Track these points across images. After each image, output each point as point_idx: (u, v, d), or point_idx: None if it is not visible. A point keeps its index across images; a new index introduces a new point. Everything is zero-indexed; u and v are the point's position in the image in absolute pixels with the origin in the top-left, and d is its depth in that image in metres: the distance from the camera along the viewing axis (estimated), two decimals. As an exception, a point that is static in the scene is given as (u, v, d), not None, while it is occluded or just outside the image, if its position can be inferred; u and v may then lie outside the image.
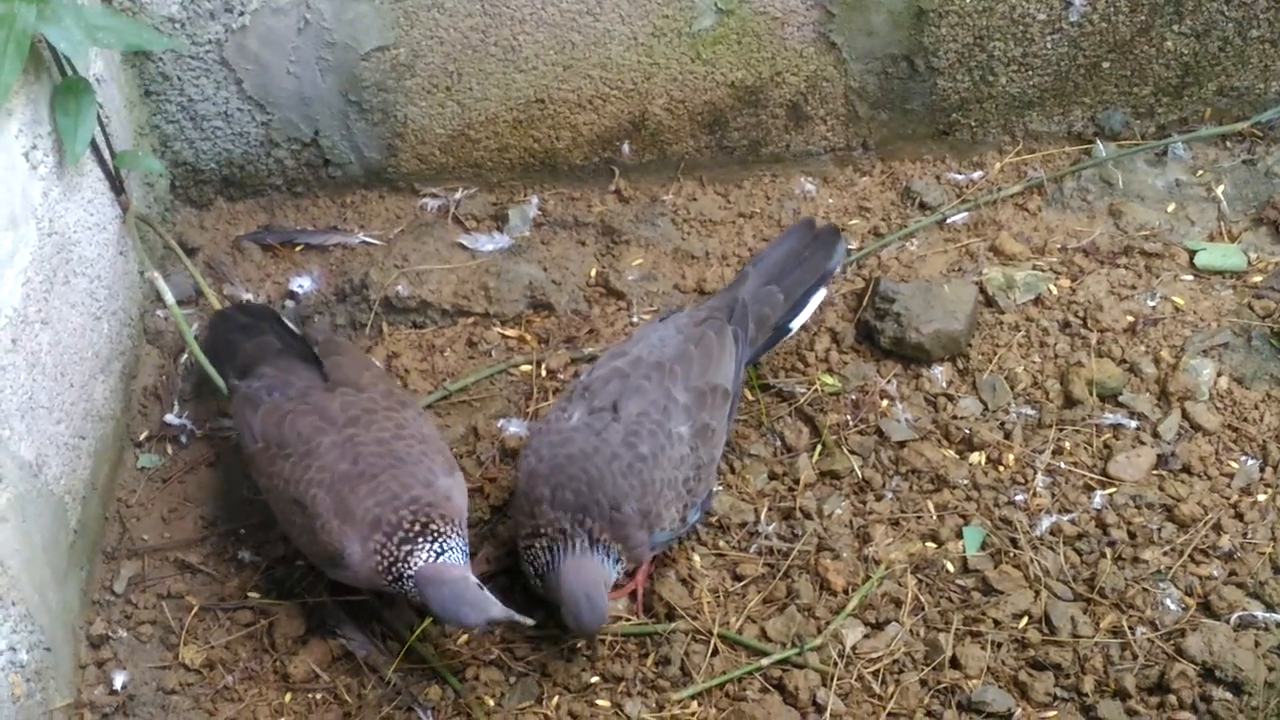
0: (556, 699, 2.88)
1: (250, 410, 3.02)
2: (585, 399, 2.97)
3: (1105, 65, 3.70)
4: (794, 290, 3.25)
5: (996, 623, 2.94)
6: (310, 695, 2.93)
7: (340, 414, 2.94)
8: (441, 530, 2.79)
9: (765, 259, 3.31)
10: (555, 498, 2.82)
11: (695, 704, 2.87)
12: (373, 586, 2.86)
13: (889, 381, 3.36)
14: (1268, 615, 2.90)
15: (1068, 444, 3.22)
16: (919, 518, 3.13)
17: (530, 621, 2.78)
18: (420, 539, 2.77)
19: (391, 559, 2.77)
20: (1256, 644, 2.85)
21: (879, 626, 2.96)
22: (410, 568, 2.76)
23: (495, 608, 2.72)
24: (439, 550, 2.77)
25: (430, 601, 2.74)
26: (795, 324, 3.26)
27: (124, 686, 2.95)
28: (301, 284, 3.64)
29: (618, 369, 3.01)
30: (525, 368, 3.46)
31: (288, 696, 2.93)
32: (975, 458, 3.21)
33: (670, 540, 2.95)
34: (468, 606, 2.72)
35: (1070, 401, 3.29)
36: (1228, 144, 3.79)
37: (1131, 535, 3.06)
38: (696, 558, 3.08)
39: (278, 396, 3.02)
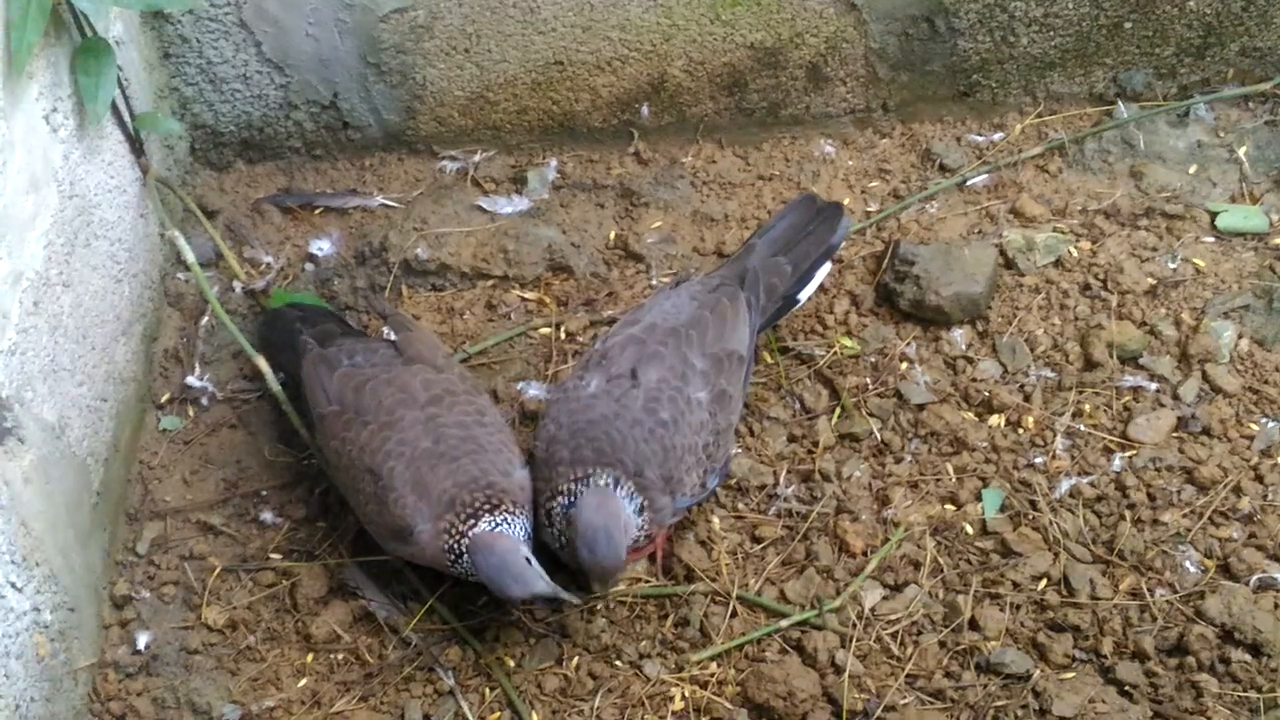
0: (576, 660, 2.90)
1: (326, 371, 3.03)
2: (603, 366, 2.97)
3: (1127, 25, 3.67)
4: (801, 262, 3.24)
5: (1015, 585, 2.94)
6: (332, 655, 2.95)
7: (421, 391, 2.95)
8: (510, 510, 2.80)
9: (771, 231, 3.29)
10: (575, 457, 2.83)
11: (714, 665, 2.88)
12: (435, 566, 2.87)
13: (908, 344, 3.35)
14: (1287, 577, 2.90)
15: (1087, 406, 3.22)
16: (938, 480, 3.13)
17: (577, 600, 2.79)
18: (487, 514, 2.79)
19: (459, 535, 2.78)
20: (1276, 606, 2.85)
21: (898, 588, 2.97)
22: (468, 538, 2.77)
23: (541, 583, 2.73)
24: (498, 523, 2.78)
25: (479, 568, 2.75)
26: (803, 295, 3.26)
27: (147, 647, 2.98)
28: (321, 247, 3.64)
29: (633, 336, 3.01)
30: (544, 330, 3.47)
31: (309, 657, 2.95)
32: (994, 420, 3.21)
33: (691, 505, 2.95)
34: (513, 579, 2.73)
35: (1090, 364, 3.28)
36: (1250, 105, 3.77)
37: (1151, 498, 3.06)
38: (715, 520, 3.09)
39: (359, 360, 3.04)
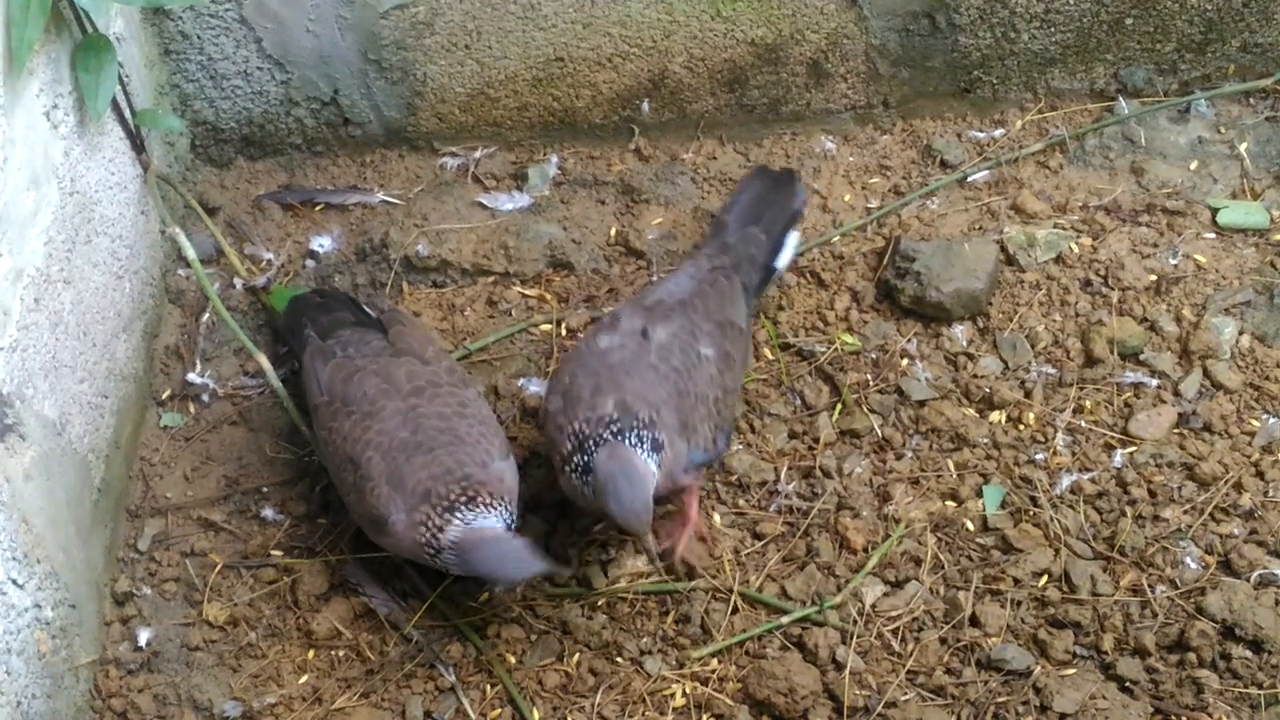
0: (577, 656, 2.90)
1: (321, 363, 3.05)
2: (613, 327, 2.99)
3: (1128, 21, 3.67)
4: (771, 229, 3.31)
5: (1016, 581, 2.94)
6: (333, 652, 2.95)
7: (405, 382, 2.96)
8: (487, 503, 2.79)
9: (737, 204, 3.39)
10: (593, 394, 2.83)
11: (715, 662, 2.88)
12: (413, 557, 2.87)
13: (909, 340, 3.35)
14: (1288, 574, 2.90)
15: (1088, 403, 3.22)
16: (939, 476, 3.13)
17: (569, 571, 2.79)
18: (464, 508, 2.78)
19: (435, 528, 2.78)
20: (1277, 602, 2.85)
21: (899, 585, 2.97)
22: (447, 538, 2.77)
23: (540, 561, 2.73)
24: (474, 517, 2.77)
25: (475, 564, 2.75)
26: (780, 264, 3.32)
27: (148, 643, 2.98)
28: (322, 243, 3.64)
29: (641, 305, 3.07)
30: (545, 327, 3.47)
31: (310, 653, 2.95)
32: (995, 416, 3.21)
33: (704, 462, 2.94)
34: (513, 561, 2.73)
35: (1091, 360, 3.28)
36: (1251, 101, 3.77)
37: (1152, 494, 3.06)
38: (717, 517, 3.09)
39: (352, 352, 3.05)
